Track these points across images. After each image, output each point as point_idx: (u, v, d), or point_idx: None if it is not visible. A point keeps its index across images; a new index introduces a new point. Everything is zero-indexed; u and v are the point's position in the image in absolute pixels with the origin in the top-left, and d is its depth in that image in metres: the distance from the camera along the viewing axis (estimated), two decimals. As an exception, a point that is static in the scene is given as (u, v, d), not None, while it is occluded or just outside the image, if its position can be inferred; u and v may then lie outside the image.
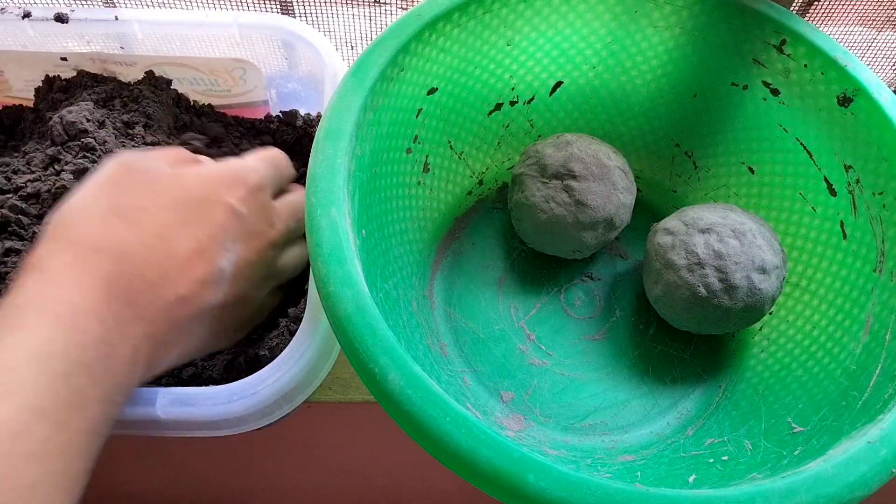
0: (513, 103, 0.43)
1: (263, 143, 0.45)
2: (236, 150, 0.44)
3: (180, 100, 0.44)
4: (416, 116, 0.38)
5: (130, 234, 0.28)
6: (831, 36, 0.37)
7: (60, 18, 0.42)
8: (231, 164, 0.33)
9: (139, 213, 0.29)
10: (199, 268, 0.29)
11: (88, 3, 0.45)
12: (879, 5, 0.48)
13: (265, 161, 0.34)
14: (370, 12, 0.48)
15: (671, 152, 0.45)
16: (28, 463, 0.21)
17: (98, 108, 0.39)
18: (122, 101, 0.41)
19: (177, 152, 0.33)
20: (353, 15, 0.48)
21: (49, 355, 0.23)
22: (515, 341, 0.39)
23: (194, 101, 0.45)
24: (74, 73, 0.43)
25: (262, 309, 0.35)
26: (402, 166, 0.38)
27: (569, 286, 0.42)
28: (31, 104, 0.44)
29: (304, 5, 0.47)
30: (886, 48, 0.52)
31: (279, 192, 0.36)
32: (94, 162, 0.37)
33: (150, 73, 0.43)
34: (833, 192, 0.38)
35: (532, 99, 0.43)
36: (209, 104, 0.45)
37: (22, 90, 0.44)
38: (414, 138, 0.38)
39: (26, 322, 0.24)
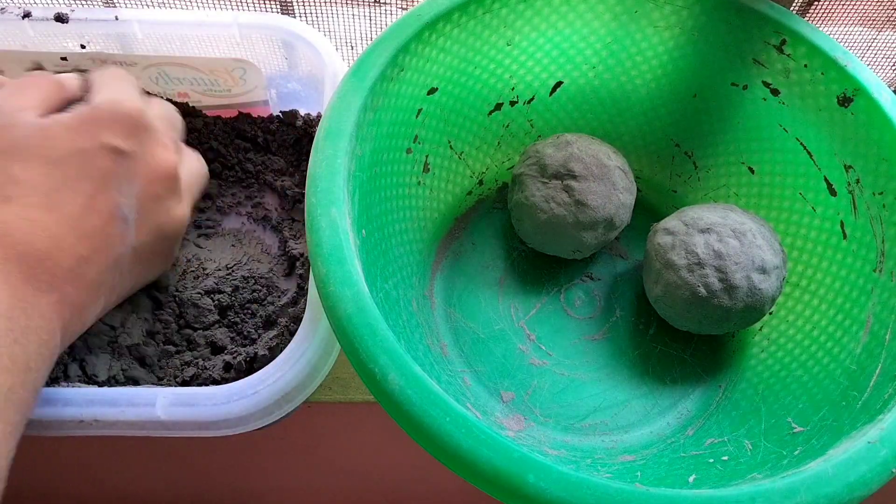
0: (513, 103, 0.43)
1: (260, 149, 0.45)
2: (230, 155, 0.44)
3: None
4: (416, 116, 0.38)
5: (8, 212, 0.26)
6: (831, 36, 0.37)
7: (60, 18, 0.42)
8: (103, 97, 0.31)
9: (11, 188, 0.26)
10: (94, 222, 0.28)
11: (88, 3, 0.45)
12: (879, 5, 0.48)
13: (156, 105, 0.34)
14: (370, 12, 0.48)
15: (671, 152, 0.45)
16: None
17: None
18: None
19: (38, 89, 0.30)
20: (353, 15, 0.48)
21: None
22: (515, 341, 0.39)
23: (190, 104, 0.45)
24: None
25: (184, 223, 0.34)
26: (402, 166, 0.38)
27: (569, 286, 0.42)
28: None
29: (304, 5, 0.47)
30: (886, 48, 0.52)
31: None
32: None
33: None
34: (833, 192, 0.38)
35: (532, 99, 0.43)
36: (192, 107, 0.45)
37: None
38: (414, 138, 0.38)
39: None
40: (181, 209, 0.33)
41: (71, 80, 0.33)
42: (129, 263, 0.30)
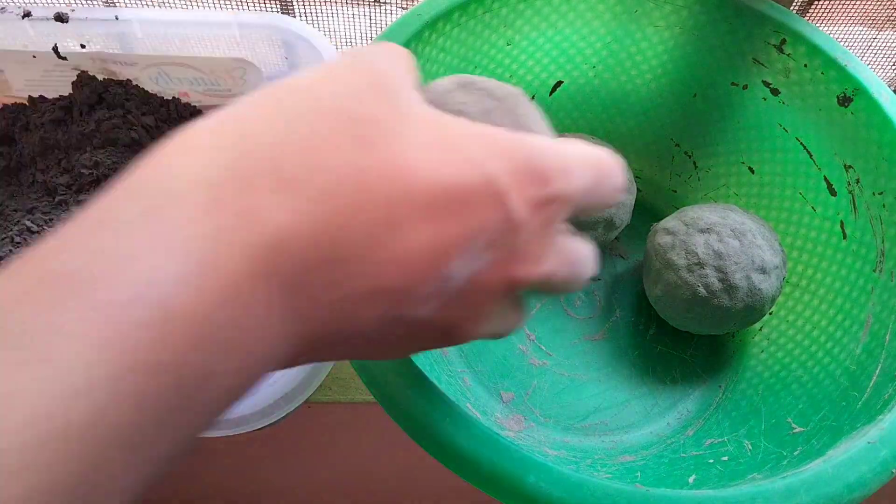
0: (513, 103, 0.42)
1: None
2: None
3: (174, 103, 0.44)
4: (416, 116, 0.37)
5: (350, 177, 0.16)
6: (831, 35, 0.37)
7: (60, 18, 0.41)
8: (536, 142, 0.19)
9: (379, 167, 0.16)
10: (420, 263, 0.17)
11: (89, 2, 0.45)
12: (879, 5, 0.48)
13: (591, 171, 0.20)
14: (370, 12, 0.48)
15: (671, 152, 0.45)
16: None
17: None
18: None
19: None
20: (354, 14, 0.48)
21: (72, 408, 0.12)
22: (515, 341, 0.39)
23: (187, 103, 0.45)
24: (75, 73, 0.43)
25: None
26: (402, 166, 0.38)
27: (569, 286, 0.42)
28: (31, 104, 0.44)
29: (304, 5, 0.47)
30: (886, 48, 0.52)
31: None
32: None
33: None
34: (833, 192, 0.37)
35: (532, 98, 0.43)
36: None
37: (22, 90, 0.44)
38: (414, 138, 0.38)
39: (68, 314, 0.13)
40: (474, 329, 0.20)
41: None
42: (401, 331, 0.19)
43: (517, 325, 0.21)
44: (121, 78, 0.44)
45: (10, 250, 0.38)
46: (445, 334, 0.20)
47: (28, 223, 0.39)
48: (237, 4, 0.46)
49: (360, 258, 0.16)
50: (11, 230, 0.40)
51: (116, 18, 0.42)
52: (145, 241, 0.14)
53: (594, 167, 0.20)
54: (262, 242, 0.15)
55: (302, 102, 0.17)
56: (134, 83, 0.44)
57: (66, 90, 0.44)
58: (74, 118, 0.43)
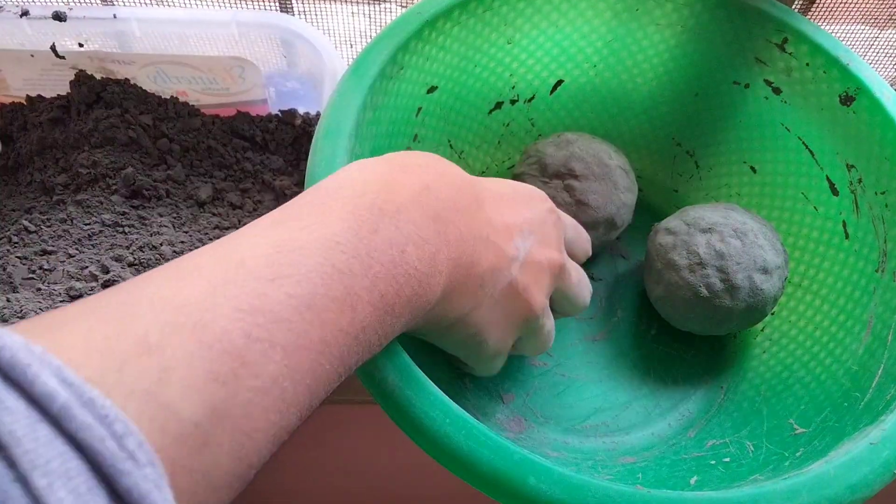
0: (513, 102, 0.42)
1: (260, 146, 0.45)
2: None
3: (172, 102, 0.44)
4: (416, 115, 0.37)
5: (457, 178, 0.26)
6: (833, 34, 0.37)
7: (58, 17, 0.41)
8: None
9: (469, 178, 0.28)
10: (501, 232, 0.27)
11: (86, 1, 0.45)
12: (881, 3, 0.48)
13: (573, 224, 0.34)
14: (370, 10, 0.47)
15: (672, 151, 0.44)
16: (274, 351, 0.18)
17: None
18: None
19: None
20: (353, 13, 0.48)
21: (335, 246, 0.20)
22: (515, 341, 0.39)
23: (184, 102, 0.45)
24: (73, 72, 0.43)
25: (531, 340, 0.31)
26: (401, 165, 0.38)
27: (569, 286, 0.41)
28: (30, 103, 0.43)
29: (302, 3, 0.46)
30: (888, 46, 0.52)
31: None
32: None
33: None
34: (835, 192, 0.37)
35: (533, 97, 0.43)
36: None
37: (20, 89, 0.44)
38: (413, 137, 0.38)
39: (330, 207, 0.22)
40: (545, 302, 0.30)
41: None
42: (494, 298, 0.27)
43: (551, 332, 0.31)
44: (119, 76, 0.44)
45: (8, 250, 0.38)
46: (526, 300, 0.28)
47: (26, 223, 0.39)
48: (235, 3, 0.46)
49: (472, 215, 0.26)
50: (9, 230, 0.39)
51: (114, 17, 0.41)
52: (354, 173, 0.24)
53: (576, 226, 0.34)
54: (417, 185, 0.24)
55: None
56: (132, 82, 0.43)
57: (65, 89, 0.43)
58: (72, 117, 0.43)
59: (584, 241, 0.34)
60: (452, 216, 0.25)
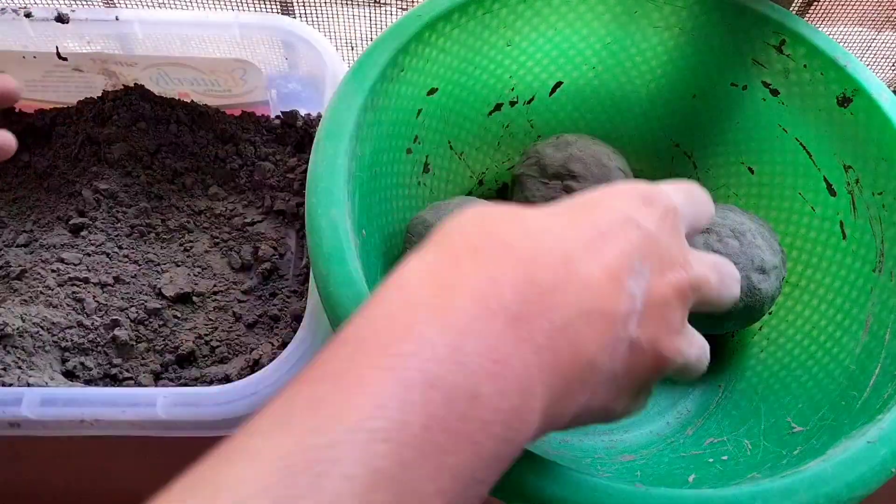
0: (513, 103, 0.43)
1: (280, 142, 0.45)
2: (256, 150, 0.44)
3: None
4: (416, 117, 0.38)
5: (523, 244, 0.20)
6: (830, 36, 0.37)
7: (61, 19, 0.42)
8: (641, 184, 0.24)
9: (535, 233, 0.21)
10: (605, 287, 0.20)
11: (89, 3, 0.45)
12: (879, 5, 0.48)
13: (682, 192, 0.25)
14: (370, 13, 0.48)
15: (671, 152, 0.45)
16: None
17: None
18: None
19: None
20: (354, 15, 0.48)
21: (370, 437, 0.16)
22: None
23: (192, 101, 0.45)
24: (76, 74, 0.43)
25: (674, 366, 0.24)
26: (402, 166, 0.38)
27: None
28: (30, 105, 0.44)
29: (304, 6, 0.47)
30: (886, 48, 0.52)
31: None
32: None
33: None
34: (832, 192, 0.38)
35: (532, 99, 0.43)
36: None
37: (22, 90, 0.44)
38: (414, 138, 0.38)
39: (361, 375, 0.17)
40: (677, 339, 0.23)
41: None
42: (616, 359, 0.21)
43: (701, 349, 0.25)
44: (121, 78, 0.44)
45: (35, 258, 0.39)
46: (655, 355, 0.22)
47: (55, 233, 0.39)
48: (237, 5, 0.46)
49: (560, 289, 0.19)
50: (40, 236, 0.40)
51: (117, 19, 0.42)
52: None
53: (682, 188, 0.26)
54: (482, 285, 0.18)
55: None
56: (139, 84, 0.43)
57: (67, 91, 0.44)
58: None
59: (703, 204, 0.26)
60: (534, 303, 0.19)
